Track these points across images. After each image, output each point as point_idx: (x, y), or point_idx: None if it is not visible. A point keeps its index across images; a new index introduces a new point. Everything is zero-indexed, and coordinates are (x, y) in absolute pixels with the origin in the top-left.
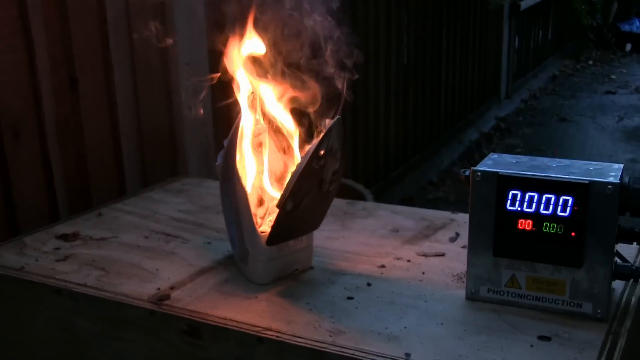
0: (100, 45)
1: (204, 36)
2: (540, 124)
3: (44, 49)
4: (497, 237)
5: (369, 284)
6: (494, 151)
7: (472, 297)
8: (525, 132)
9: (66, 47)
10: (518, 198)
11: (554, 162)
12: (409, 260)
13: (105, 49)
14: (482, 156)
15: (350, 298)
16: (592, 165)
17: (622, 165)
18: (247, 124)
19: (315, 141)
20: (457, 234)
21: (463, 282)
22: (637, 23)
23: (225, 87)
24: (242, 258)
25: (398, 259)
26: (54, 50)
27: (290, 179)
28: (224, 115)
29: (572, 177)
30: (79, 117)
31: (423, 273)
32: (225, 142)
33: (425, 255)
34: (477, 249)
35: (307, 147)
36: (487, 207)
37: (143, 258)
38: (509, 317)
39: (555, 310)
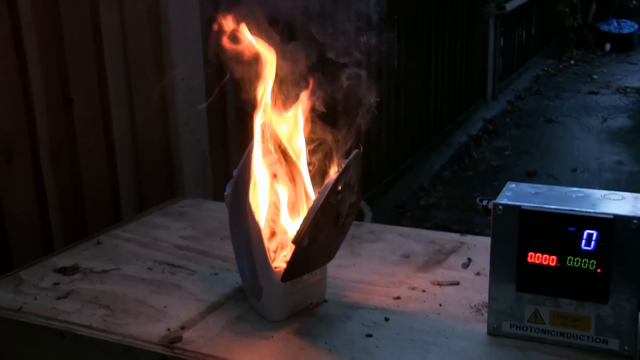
0: (95, 64)
1: (200, 51)
2: (527, 126)
3: (38, 70)
4: (520, 272)
5: (386, 319)
6: (483, 154)
7: (494, 332)
8: (513, 133)
9: (60, 67)
10: (542, 233)
11: (573, 193)
12: (424, 291)
13: (100, 67)
14: (472, 159)
15: (369, 336)
16: (613, 195)
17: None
18: (259, 155)
19: (334, 176)
20: (469, 259)
21: (482, 314)
22: (615, 23)
23: (221, 101)
24: (255, 294)
25: (413, 288)
26: (48, 70)
27: (307, 215)
28: (219, 130)
29: (597, 211)
30: (74, 139)
31: (440, 305)
32: (235, 173)
33: (440, 284)
34: (499, 284)
35: (326, 181)
36: (510, 241)
37: (149, 293)
38: (534, 354)
39: (580, 347)
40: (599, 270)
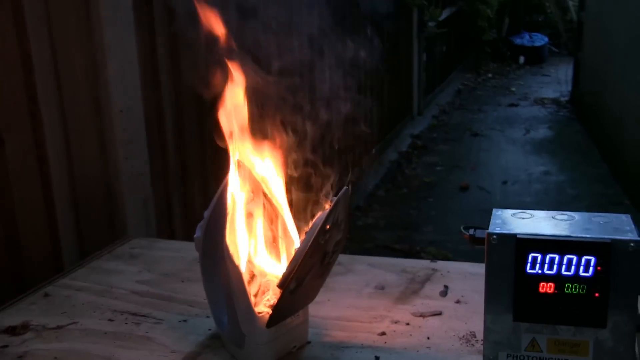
0: (27, 98)
1: (138, 80)
2: (454, 140)
3: None
4: (517, 302)
5: (377, 358)
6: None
7: None
8: (441, 148)
9: None
10: (538, 260)
11: (565, 217)
12: (407, 324)
13: (33, 101)
14: (404, 176)
15: None
16: (600, 217)
17: (629, 216)
18: (236, 193)
19: (322, 214)
20: (446, 287)
21: (472, 345)
22: (527, 37)
23: (163, 132)
24: (236, 341)
25: (395, 322)
26: None
27: (295, 257)
28: (160, 164)
29: (594, 236)
30: (7, 182)
31: (428, 338)
32: (207, 213)
33: (422, 315)
34: (495, 315)
35: (312, 220)
36: (505, 271)
37: (116, 348)
38: None
39: None
40: (596, 295)
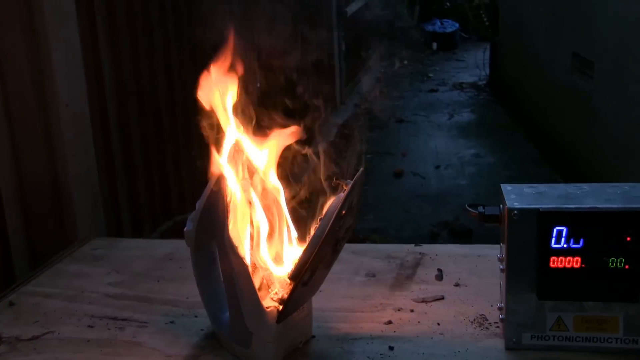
0: None
1: (82, 72)
2: (380, 127)
3: None
4: (542, 279)
5: (391, 348)
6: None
7: (513, 346)
8: (370, 136)
9: None
10: (564, 234)
11: (577, 189)
12: (412, 310)
13: None
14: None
15: None
16: (615, 187)
17: None
18: (232, 182)
19: (337, 200)
20: (440, 270)
21: (487, 328)
22: (438, 23)
23: (107, 126)
24: (241, 341)
25: (399, 310)
26: None
27: (310, 246)
28: (108, 159)
29: (625, 205)
30: None
31: (438, 324)
32: (198, 204)
33: (424, 301)
34: (517, 294)
35: (326, 205)
36: (528, 248)
37: (103, 356)
38: None
39: (608, 350)
40: (627, 267)
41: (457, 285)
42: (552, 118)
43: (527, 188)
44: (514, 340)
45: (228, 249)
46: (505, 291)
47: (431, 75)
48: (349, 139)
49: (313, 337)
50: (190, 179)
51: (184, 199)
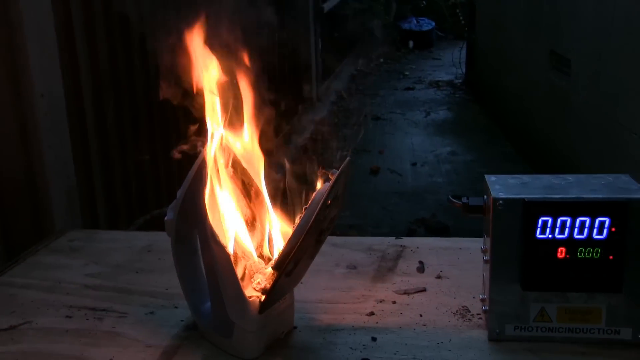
0: None
1: (58, 63)
2: (357, 124)
3: None
4: (526, 270)
5: (374, 339)
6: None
7: (497, 337)
8: (346, 133)
9: None
10: (549, 224)
11: (561, 180)
12: (394, 302)
13: None
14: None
15: None
16: (600, 178)
17: (629, 175)
18: (214, 170)
19: (323, 189)
20: (422, 263)
21: (469, 319)
22: (415, 21)
23: (83, 118)
24: (222, 331)
25: (381, 301)
26: None
27: (294, 237)
28: (84, 151)
29: (608, 196)
30: None
31: (420, 316)
32: (179, 193)
33: (406, 293)
34: (501, 285)
35: (312, 195)
36: (512, 238)
37: (83, 346)
38: (547, 355)
39: (591, 340)
40: (611, 258)
41: (438, 277)
42: (529, 116)
43: (511, 179)
44: (497, 331)
45: (209, 238)
46: (489, 282)
47: (407, 73)
48: (325, 135)
49: (295, 328)
50: (167, 172)
51: (160, 192)
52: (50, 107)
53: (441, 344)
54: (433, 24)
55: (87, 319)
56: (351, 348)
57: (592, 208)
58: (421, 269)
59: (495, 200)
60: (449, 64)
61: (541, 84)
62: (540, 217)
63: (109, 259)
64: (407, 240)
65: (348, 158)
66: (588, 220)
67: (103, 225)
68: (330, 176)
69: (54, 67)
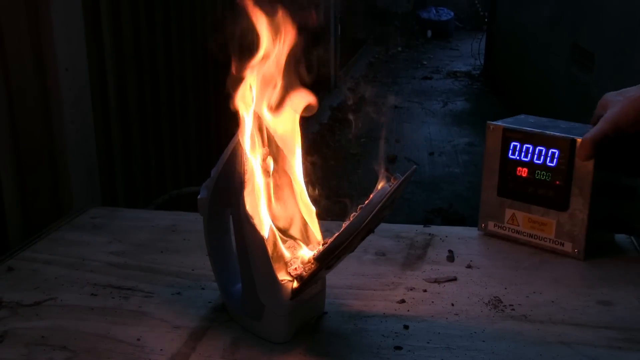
0: None
1: (83, 36)
2: (374, 112)
3: None
4: (501, 181)
5: (406, 327)
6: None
7: (483, 230)
8: (363, 120)
9: None
10: (517, 149)
11: (548, 122)
12: (425, 290)
13: None
14: (330, 148)
15: (398, 348)
16: (572, 125)
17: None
18: (252, 149)
19: (382, 191)
20: (451, 252)
21: (502, 310)
22: (434, 11)
23: (105, 94)
24: (252, 313)
25: (411, 289)
26: None
27: (344, 235)
28: (103, 129)
29: (562, 134)
30: None
31: (452, 305)
32: (213, 172)
33: (437, 281)
34: (487, 190)
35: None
36: (495, 155)
37: (109, 324)
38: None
39: (544, 247)
40: (557, 183)
41: (469, 267)
42: (548, 109)
43: (531, 118)
44: (483, 225)
45: (243, 218)
46: (482, 187)
47: (425, 62)
48: (342, 122)
49: (325, 313)
50: (185, 153)
51: (178, 173)
52: (73, 82)
53: (474, 334)
54: (452, 14)
55: (113, 298)
56: (383, 335)
57: (548, 141)
58: (451, 257)
59: (489, 124)
60: (467, 54)
61: (562, 78)
62: (512, 142)
63: (133, 238)
64: (434, 229)
65: (415, 166)
66: (544, 150)
67: (121, 204)
68: (392, 180)
69: (78, 40)
